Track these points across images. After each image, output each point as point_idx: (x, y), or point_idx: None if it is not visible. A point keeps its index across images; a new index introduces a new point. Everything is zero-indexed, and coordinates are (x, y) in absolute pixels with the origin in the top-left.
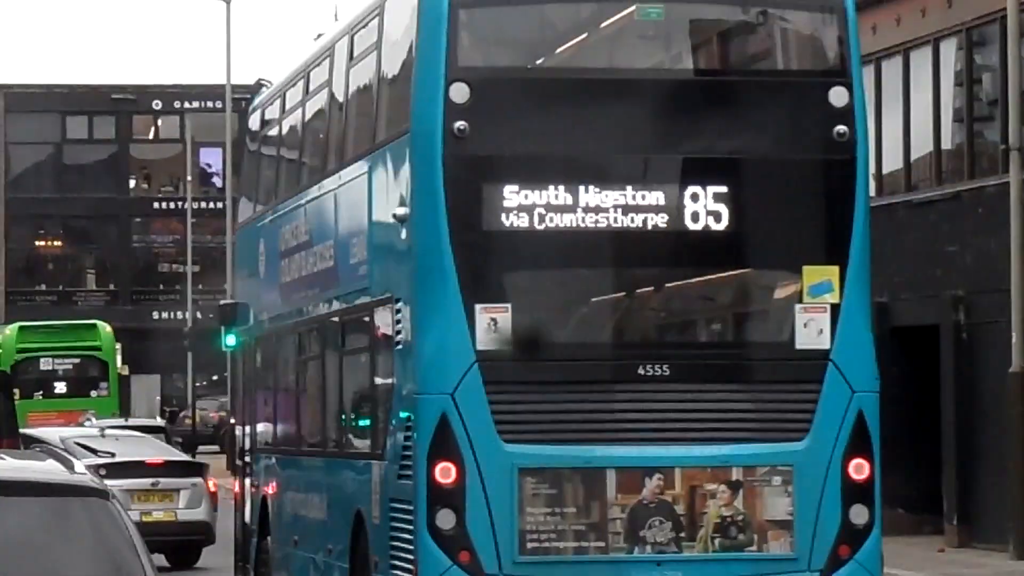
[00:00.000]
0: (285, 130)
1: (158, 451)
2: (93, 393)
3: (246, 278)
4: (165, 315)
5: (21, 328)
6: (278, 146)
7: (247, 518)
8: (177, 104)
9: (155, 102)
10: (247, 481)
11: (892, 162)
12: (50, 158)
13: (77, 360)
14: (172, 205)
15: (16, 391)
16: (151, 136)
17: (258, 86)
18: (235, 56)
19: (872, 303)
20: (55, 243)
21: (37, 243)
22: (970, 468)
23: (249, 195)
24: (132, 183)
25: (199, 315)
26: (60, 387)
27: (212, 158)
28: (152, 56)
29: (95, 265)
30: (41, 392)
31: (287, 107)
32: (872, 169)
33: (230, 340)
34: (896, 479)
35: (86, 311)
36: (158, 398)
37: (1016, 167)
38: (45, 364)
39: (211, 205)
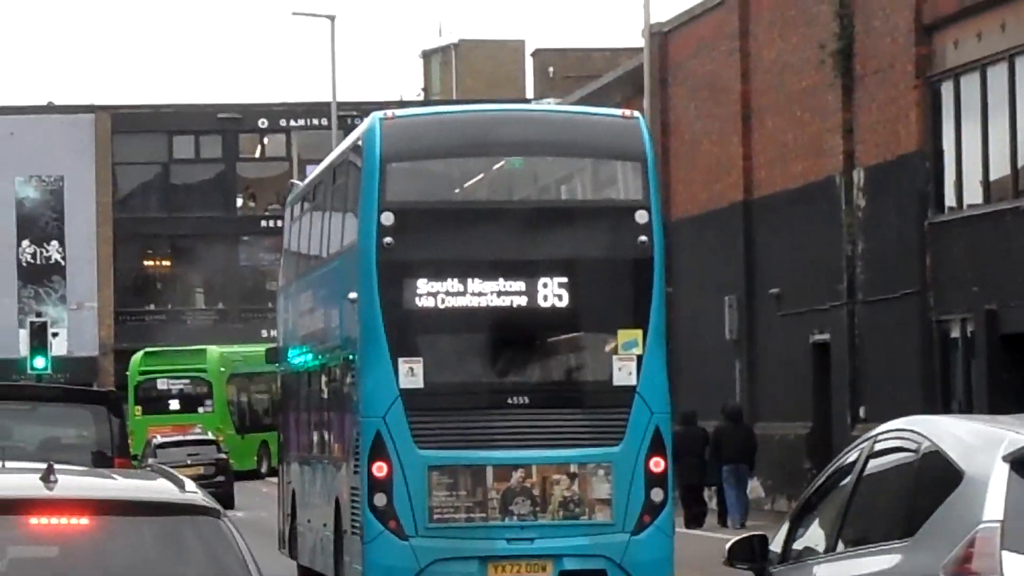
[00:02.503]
0: (302, 225)
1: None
2: (200, 409)
3: (284, 326)
4: (275, 332)
5: (146, 353)
6: (298, 235)
7: (285, 507)
8: (283, 122)
9: (261, 120)
10: (284, 479)
11: (999, 168)
12: (157, 178)
13: (188, 381)
14: (279, 223)
15: (139, 408)
16: (257, 154)
17: (290, 185)
18: (340, 72)
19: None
20: (163, 263)
21: (145, 263)
22: None
23: (285, 266)
24: (239, 202)
25: None
26: (174, 404)
27: None
28: (257, 75)
29: (203, 284)
30: (158, 408)
31: (304, 208)
32: (979, 176)
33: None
34: None
35: (195, 330)
36: None
37: None
38: (161, 384)
39: None
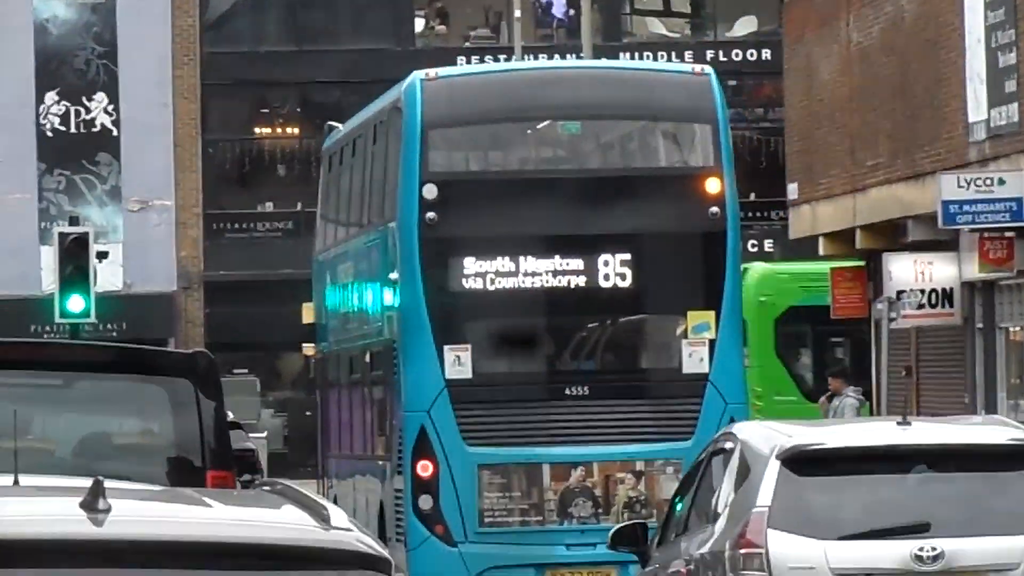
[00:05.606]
0: (340, 182)
1: None
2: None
3: (319, 300)
4: None
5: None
6: (336, 194)
7: None
8: None
9: None
10: (324, 480)
11: None
12: None
13: None
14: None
15: None
16: None
17: (329, 128)
18: None
19: None
20: (289, 130)
21: (257, 131)
22: None
23: (321, 229)
24: (418, 25)
25: None
26: None
27: None
28: None
29: None
30: None
31: (343, 161)
32: None
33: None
34: None
35: None
36: None
37: None
38: None
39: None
